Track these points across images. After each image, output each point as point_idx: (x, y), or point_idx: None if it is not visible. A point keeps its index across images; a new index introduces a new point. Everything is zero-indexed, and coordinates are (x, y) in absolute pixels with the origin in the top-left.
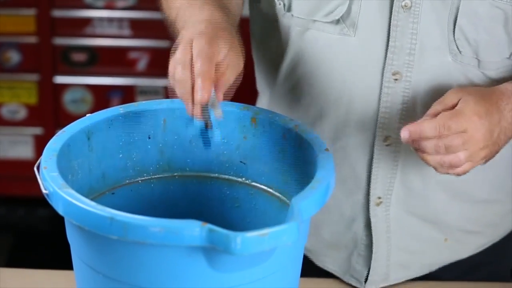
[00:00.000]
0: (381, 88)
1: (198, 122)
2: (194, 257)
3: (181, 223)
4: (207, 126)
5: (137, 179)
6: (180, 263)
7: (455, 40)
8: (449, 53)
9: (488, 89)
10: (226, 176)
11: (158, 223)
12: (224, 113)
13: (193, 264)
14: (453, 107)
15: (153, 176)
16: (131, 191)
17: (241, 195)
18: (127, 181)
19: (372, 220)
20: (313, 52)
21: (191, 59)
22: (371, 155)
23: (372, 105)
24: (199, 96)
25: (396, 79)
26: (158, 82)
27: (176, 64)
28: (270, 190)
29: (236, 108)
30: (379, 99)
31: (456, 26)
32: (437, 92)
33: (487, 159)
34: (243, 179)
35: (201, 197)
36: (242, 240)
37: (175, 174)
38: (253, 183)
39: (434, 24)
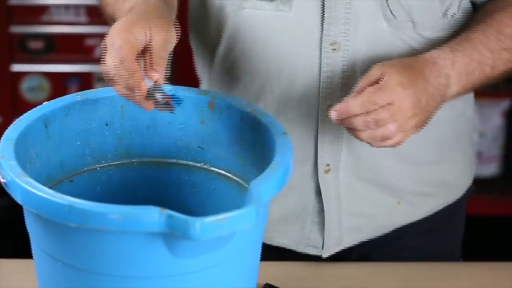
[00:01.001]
0: (320, 59)
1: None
2: (153, 243)
3: (140, 209)
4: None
5: (96, 166)
6: (140, 249)
7: (388, 6)
8: (384, 18)
9: (412, 58)
10: (185, 162)
11: (117, 210)
12: (182, 98)
13: (152, 250)
14: (378, 81)
15: (111, 163)
16: (89, 179)
17: (199, 180)
18: (85, 168)
19: (322, 187)
20: (250, 30)
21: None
22: (316, 125)
23: (313, 77)
24: (136, 94)
25: (334, 49)
26: None
27: (106, 69)
28: (229, 175)
29: (193, 93)
30: (320, 70)
31: None
32: (375, 59)
33: (419, 127)
34: (202, 164)
35: (160, 183)
36: (201, 225)
37: (134, 160)
38: (212, 168)
39: None
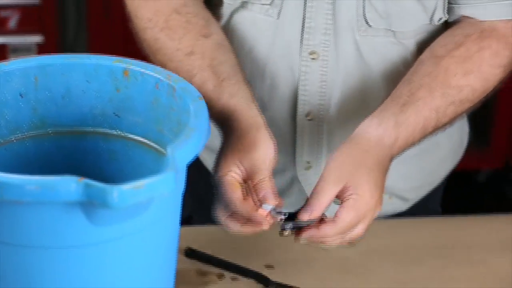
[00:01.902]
0: (300, 67)
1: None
2: (72, 212)
3: (57, 179)
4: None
5: (11, 138)
6: (59, 219)
7: (364, 16)
8: (364, 29)
9: (360, 151)
10: (101, 130)
11: (34, 181)
12: (96, 66)
13: (71, 219)
14: (343, 192)
15: (27, 134)
16: (5, 151)
17: (117, 147)
18: (1, 140)
19: (303, 183)
20: (240, 30)
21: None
22: (295, 128)
23: (292, 83)
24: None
25: (313, 58)
26: (30, 39)
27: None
28: (146, 141)
29: (108, 61)
30: (299, 77)
31: (366, 1)
32: (354, 69)
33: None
34: (118, 131)
35: (77, 152)
36: (118, 193)
37: (49, 130)
38: (129, 135)
39: (348, 3)
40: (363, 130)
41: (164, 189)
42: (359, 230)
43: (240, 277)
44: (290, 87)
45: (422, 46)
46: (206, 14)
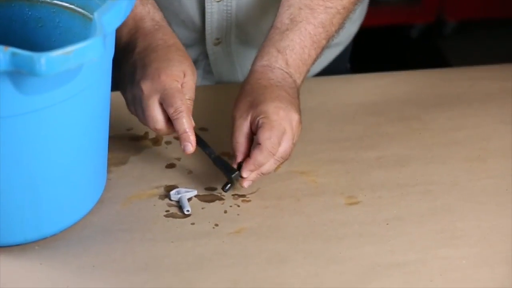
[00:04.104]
0: None
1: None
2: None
3: None
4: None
5: None
6: None
7: None
8: None
9: (250, 84)
10: None
11: None
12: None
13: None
14: (257, 125)
15: None
16: None
17: (43, 14)
18: None
19: (211, 58)
20: None
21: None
22: (204, 10)
23: None
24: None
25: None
26: None
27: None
28: (72, 7)
29: None
30: None
31: None
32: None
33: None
34: None
35: (3, 20)
36: (46, 60)
37: None
38: (54, 1)
39: None
40: (253, 66)
41: (93, 55)
42: (285, 146)
43: (175, 141)
44: None
45: None
46: None
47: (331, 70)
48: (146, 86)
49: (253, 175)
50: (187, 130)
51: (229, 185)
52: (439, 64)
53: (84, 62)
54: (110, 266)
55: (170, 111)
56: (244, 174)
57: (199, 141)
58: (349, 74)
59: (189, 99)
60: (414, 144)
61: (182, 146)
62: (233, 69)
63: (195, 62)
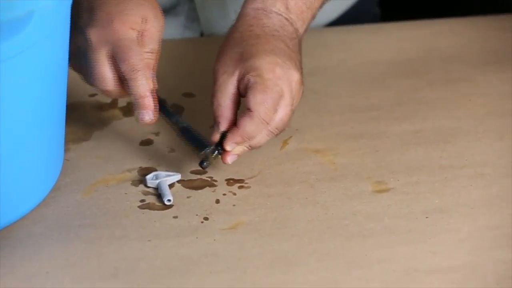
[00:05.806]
0: None
1: None
2: None
3: None
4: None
5: None
6: None
7: None
8: None
9: (244, 34)
10: None
11: None
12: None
13: None
14: (246, 84)
15: None
16: None
17: None
18: None
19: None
20: None
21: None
22: None
23: None
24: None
25: None
26: None
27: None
28: None
29: None
30: None
31: None
32: None
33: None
34: None
35: None
36: None
37: None
38: None
39: None
40: (243, 9)
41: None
42: (282, 113)
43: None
44: None
45: None
46: None
47: (353, 16)
48: (93, 35)
49: (239, 148)
50: (145, 93)
51: (206, 162)
52: (499, 9)
53: (34, 9)
54: (69, 272)
55: (123, 68)
56: (228, 147)
57: (162, 108)
58: (378, 22)
59: (149, 52)
60: (461, 114)
61: (137, 115)
62: (225, 14)
63: (175, 6)
